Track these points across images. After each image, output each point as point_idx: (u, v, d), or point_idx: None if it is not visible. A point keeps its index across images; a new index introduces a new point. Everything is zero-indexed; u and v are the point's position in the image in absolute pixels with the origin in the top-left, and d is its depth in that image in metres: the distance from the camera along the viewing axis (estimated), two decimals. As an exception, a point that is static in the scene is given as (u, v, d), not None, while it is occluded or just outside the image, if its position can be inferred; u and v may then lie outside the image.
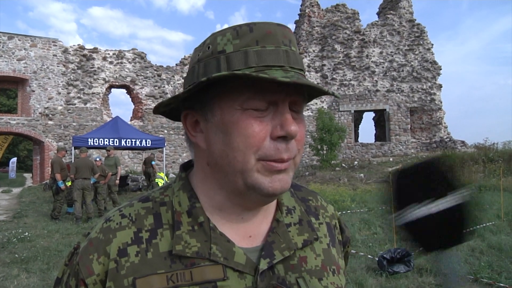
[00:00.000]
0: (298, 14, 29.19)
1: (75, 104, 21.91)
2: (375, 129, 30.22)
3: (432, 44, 27.16)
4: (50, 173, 10.97)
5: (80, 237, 0.76)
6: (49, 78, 21.40)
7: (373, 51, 27.07)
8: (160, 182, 15.35)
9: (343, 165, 22.24)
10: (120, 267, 0.67)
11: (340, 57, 27.22)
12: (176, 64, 25.03)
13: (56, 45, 21.81)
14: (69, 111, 21.72)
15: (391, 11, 27.85)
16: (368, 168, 20.81)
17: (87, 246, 0.71)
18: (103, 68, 22.69)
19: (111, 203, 11.54)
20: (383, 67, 26.96)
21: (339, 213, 8.81)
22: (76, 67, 22.09)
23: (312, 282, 0.73)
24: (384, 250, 5.72)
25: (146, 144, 14.54)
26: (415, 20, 27.33)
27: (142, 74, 23.55)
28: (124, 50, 23.48)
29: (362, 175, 18.54)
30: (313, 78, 27.22)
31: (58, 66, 21.68)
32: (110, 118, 20.44)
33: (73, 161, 12.03)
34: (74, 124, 21.49)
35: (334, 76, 27.06)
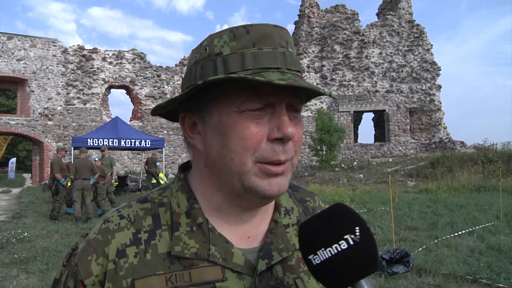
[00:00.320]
0: (298, 15, 29.21)
1: (74, 105, 21.91)
2: (375, 130, 30.24)
3: (432, 45, 27.19)
4: (49, 173, 10.96)
5: (78, 238, 0.76)
6: (48, 79, 21.40)
7: (373, 51, 27.09)
8: (160, 182, 15.35)
9: (343, 165, 22.25)
10: (119, 268, 0.67)
11: (339, 57, 27.23)
12: (176, 65, 25.04)
13: (55, 46, 21.81)
14: (69, 111, 21.72)
15: (391, 12, 27.88)
16: (367, 169, 20.83)
17: (86, 247, 0.71)
18: (102, 69, 22.69)
19: (108, 203, 11.53)
20: (382, 68, 26.98)
21: (339, 213, 8.78)
22: (75, 68, 22.09)
23: (310, 283, 0.73)
24: (383, 250, 5.72)
25: (145, 144, 14.54)
26: (415, 20, 27.36)
27: (141, 74, 23.55)
28: (123, 51, 23.48)
29: (361, 175, 18.55)
30: (312, 78, 27.22)
31: (57, 67, 21.68)
32: (110, 119, 20.44)
33: (72, 161, 12.02)
34: (74, 124, 21.49)
35: (334, 77, 27.07)
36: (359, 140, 28.84)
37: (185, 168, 0.81)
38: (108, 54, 23.00)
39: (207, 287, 0.66)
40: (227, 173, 0.68)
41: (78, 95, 22.03)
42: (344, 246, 0.59)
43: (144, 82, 23.61)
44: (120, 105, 72.58)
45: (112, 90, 24.16)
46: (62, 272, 0.74)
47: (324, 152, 21.71)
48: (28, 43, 21.13)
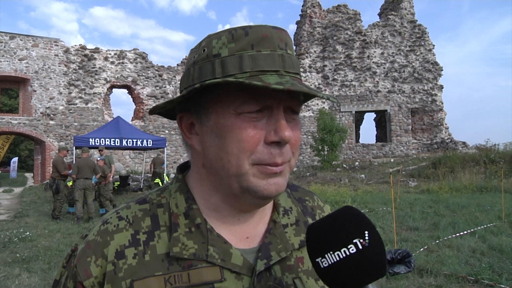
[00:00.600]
0: (300, 15, 29.19)
1: (76, 104, 21.94)
2: (376, 130, 30.21)
3: (434, 45, 27.13)
4: (51, 172, 10.98)
5: (78, 239, 0.76)
6: (50, 78, 21.44)
7: (374, 52, 27.05)
8: (161, 183, 15.37)
9: (344, 165, 22.23)
10: (118, 270, 0.67)
11: (341, 57, 27.21)
12: (178, 64, 25.07)
13: (57, 45, 21.85)
14: (71, 111, 21.75)
15: (393, 12, 27.83)
16: (369, 169, 20.80)
17: (85, 249, 0.71)
18: (104, 68, 22.71)
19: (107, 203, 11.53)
20: (384, 68, 26.94)
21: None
22: (77, 67, 22.12)
23: (309, 283, 0.73)
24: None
25: (147, 144, 14.54)
26: (417, 21, 27.32)
27: (143, 74, 23.58)
28: (125, 50, 23.50)
29: (363, 175, 18.53)
30: (314, 78, 27.21)
31: (59, 66, 21.71)
32: (111, 118, 20.48)
33: (74, 161, 12.05)
34: (75, 124, 21.53)
35: (335, 77, 27.04)
36: (361, 140, 28.81)
37: (183, 168, 0.81)
38: (110, 54, 23.02)
39: None
40: (224, 174, 0.68)
41: (80, 95, 22.06)
42: (352, 250, 0.59)
43: (146, 82, 23.63)
44: (122, 105, 72.76)
45: (114, 89, 24.20)
46: (62, 273, 0.75)
47: (325, 152, 21.70)
48: (30, 42, 21.17)
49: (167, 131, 23.19)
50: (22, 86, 21.55)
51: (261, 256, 0.71)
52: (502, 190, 9.86)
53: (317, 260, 0.62)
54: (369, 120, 54.27)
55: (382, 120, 28.39)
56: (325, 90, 27.10)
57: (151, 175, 16.79)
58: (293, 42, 0.70)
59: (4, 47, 20.54)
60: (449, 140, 25.31)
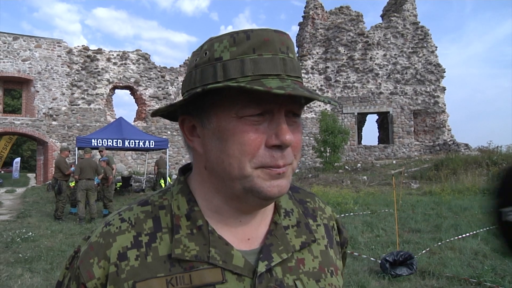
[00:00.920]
0: (302, 16, 29.20)
1: (79, 105, 22.00)
2: (379, 132, 30.17)
3: (436, 47, 27.09)
4: (53, 173, 11.00)
5: (80, 241, 0.77)
6: (53, 79, 21.50)
7: (377, 53, 27.03)
8: (163, 184, 15.39)
9: (346, 167, 22.21)
10: (120, 271, 0.68)
11: (343, 59, 27.20)
12: (180, 66, 25.11)
13: (60, 46, 21.91)
14: (73, 111, 21.81)
15: (395, 14, 27.82)
16: (371, 171, 20.77)
17: (88, 250, 0.72)
18: (107, 69, 22.76)
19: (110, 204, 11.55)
20: (386, 70, 26.91)
21: (342, 215, 8.71)
22: (80, 68, 22.18)
23: (310, 284, 0.74)
24: (387, 252, 5.71)
25: (149, 145, 14.55)
26: (419, 22, 27.28)
27: (146, 75, 23.62)
28: (128, 51, 23.55)
29: (365, 177, 18.50)
30: (316, 80, 27.20)
31: (62, 67, 21.78)
32: (114, 119, 20.49)
33: (76, 161, 12.07)
34: (78, 124, 21.58)
35: (338, 78, 27.03)
36: (363, 142, 28.79)
37: (185, 170, 0.82)
38: (112, 55, 23.08)
39: None
40: (226, 176, 0.68)
41: (83, 96, 22.11)
42: None
43: (149, 83, 23.67)
44: (124, 106, 72.79)
45: (116, 90, 24.24)
46: (65, 275, 0.75)
47: (327, 154, 21.68)
48: (34, 43, 21.24)
49: (169, 132, 23.21)
50: (25, 86, 21.63)
51: (262, 257, 0.71)
52: (504, 192, 9.81)
53: (502, 209, 0.53)
54: (371, 122, 54.32)
55: (384, 121, 28.36)
56: (328, 91, 27.08)
57: (155, 176, 16.84)
58: (295, 44, 0.71)
59: (8, 47, 20.61)
60: (452, 142, 25.25)
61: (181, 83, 0.77)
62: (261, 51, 0.65)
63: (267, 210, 0.78)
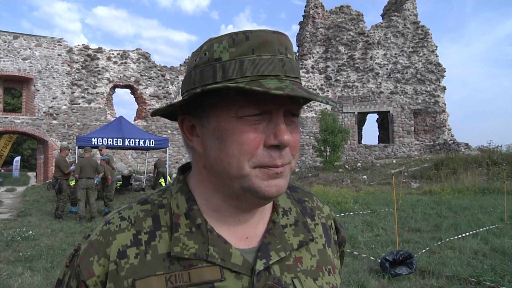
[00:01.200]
0: (303, 16, 29.18)
1: (79, 104, 22.00)
2: (379, 131, 30.17)
3: (437, 46, 27.09)
4: (53, 172, 11.01)
5: (80, 239, 0.78)
6: (53, 78, 21.51)
7: (377, 52, 27.03)
8: (163, 183, 15.41)
9: (346, 166, 22.22)
10: (120, 269, 0.69)
11: (344, 58, 27.20)
12: (180, 65, 25.14)
13: (60, 45, 21.92)
14: (73, 110, 21.82)
15: (396, 13, 27.81)
16: (371, 170, 20.78)
17: (88, 248, 0.72)
18: (107, 68, 22.77)
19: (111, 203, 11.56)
20: (387, 69, 26.92)
21: (342, 214, 8.71)
22: (80, 67, 22.19)
23: (307, 282, 0.74)
24: (387, 252, 5.71)
25: (149, 144, 14.56)
26: (420, 22, 27.28)
27: (146, 74, 23.62)
28: (128, 50, 23.56)
29: (365, 176, 18.51)
30: (317, 79, 27.20)
31: (62, 66, 21.78)
32: (114, 118, 20.49)
33: (76, 160, 12.08)
34: (78, 123, 21.58)
35: (338, 78, 27.04)
36: (363, 141, 28.79)
37: (184, 169, 0.83)
38: (113, 54, 23.08)
39: (206, 287, 0.67)
40: (225, 176, 0.69)
41: (83, 95, 22.12)
42: None
43: (149, 82, 23.68)
44: (124, 105, 72.64)
45: (116, 89, 24.26)
46: (65, 273, 0.76)
47: (328, 153, 21.69)
48: (34, 42, 21.25)
49: (169, 131, 23.22)
50: (25, 85, 21.64)
51: (260, 256, 0.72)
52: (504, 192, 9.83)
53: None
54: (371, 121, 54.17)
55: (384, 121, 28.36)
56: (328, 91, 27.09)
57: (154, 175, 16.86)
58: (295, 44, 0.71)
59: (8, 46, 20.62)
60: (452, 141, 25.26)
61: (181, 83, 0.77)
62: (260, 52, 0.66)
63: (265, 209, 0.79)
